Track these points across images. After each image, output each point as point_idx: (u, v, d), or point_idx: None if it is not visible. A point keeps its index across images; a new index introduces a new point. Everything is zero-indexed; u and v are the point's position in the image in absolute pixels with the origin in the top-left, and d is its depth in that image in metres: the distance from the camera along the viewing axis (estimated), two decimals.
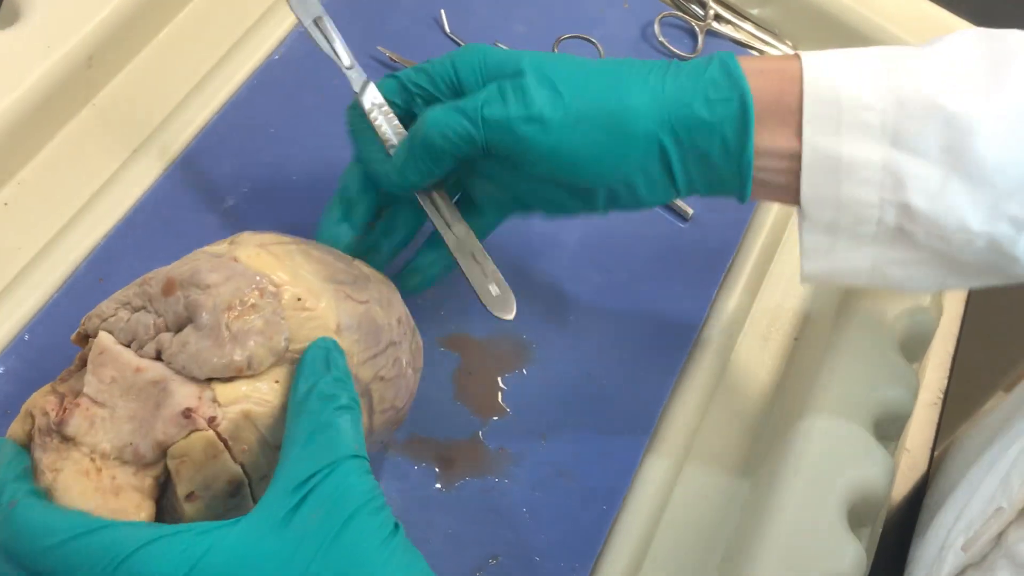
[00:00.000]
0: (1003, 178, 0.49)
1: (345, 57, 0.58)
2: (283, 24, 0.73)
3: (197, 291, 0.47)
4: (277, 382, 0.47)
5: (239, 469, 0.46)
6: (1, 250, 0.63)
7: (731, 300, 0.70)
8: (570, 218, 0.57)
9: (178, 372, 0.46)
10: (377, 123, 0.56)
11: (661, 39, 0.79)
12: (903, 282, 0.54)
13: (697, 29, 0.80)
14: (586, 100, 0.52)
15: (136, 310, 0.48)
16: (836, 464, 0.60)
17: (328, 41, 0.58)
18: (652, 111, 0.52)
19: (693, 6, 0.81)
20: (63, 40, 0.65)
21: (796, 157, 0.51)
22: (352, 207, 0.57)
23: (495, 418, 0.62)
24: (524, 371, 0.64)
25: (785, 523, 0.58)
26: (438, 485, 0.60)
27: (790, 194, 0.53)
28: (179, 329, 0.47)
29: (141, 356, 0.47)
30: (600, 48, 0.76)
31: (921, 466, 0.70)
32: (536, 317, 0.66)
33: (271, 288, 0.47)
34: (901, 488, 0.68)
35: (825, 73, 0.51)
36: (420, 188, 0.56)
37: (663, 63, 0.54)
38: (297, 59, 0.72)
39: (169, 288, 0.47)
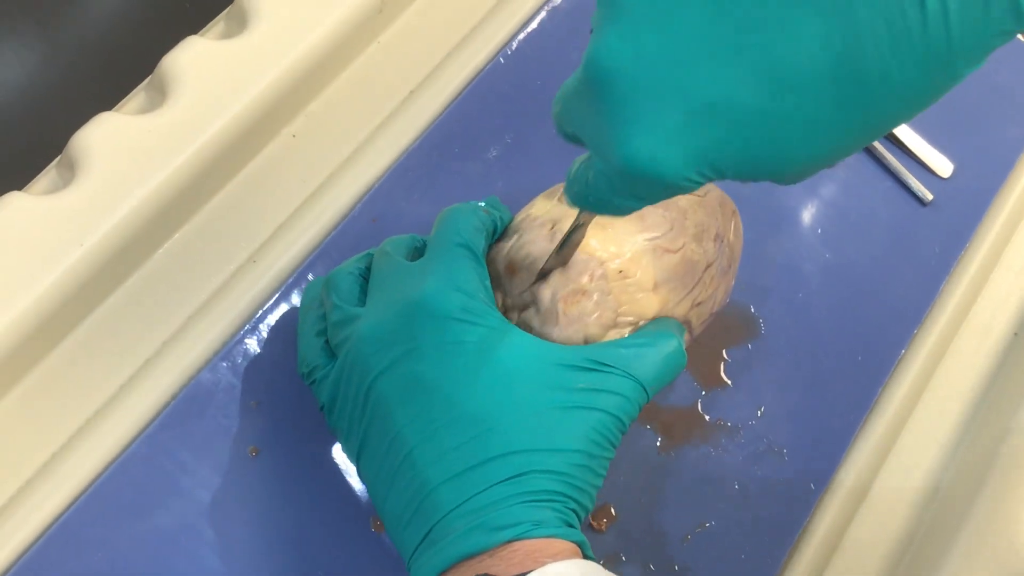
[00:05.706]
0: None
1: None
2: None
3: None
4: None
5: None
6: (288, 182, 0.68)
7: (958, 288, 0.72)
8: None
9: None
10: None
11: None
12: None
13: None
14: None
15: None
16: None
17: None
18: None
19: None
20: None
21: None
22: None
23: (716, 389, 0.67)
24: (749, 346, 0.68)
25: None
26: (659, 449, 0.65)
27: None
28: (523, 307, 0.55)
29: None
30: None
31: None
32: (765, 292, 0.70)
33: (598, 270, 0.54)
34: None
35: None
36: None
37: None
38: (566, 11, 0.75)
39: (511, 271, 0.55)
